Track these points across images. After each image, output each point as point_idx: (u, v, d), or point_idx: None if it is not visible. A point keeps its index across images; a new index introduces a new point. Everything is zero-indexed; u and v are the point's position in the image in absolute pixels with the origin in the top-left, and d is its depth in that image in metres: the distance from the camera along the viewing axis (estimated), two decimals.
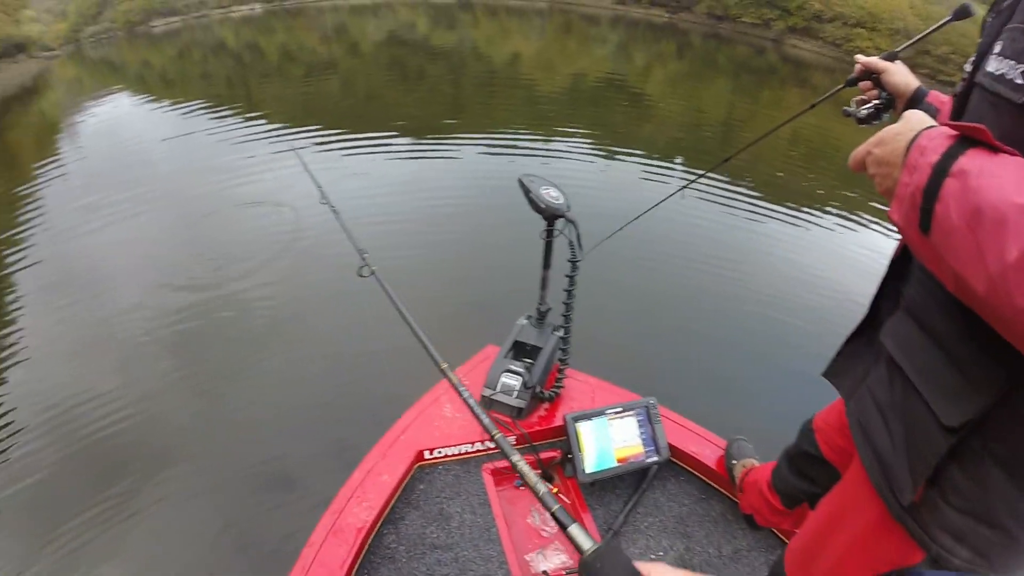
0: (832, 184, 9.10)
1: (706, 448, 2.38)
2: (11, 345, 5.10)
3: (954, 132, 0.77)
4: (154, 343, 4.95)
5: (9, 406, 4.41)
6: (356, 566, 1.90)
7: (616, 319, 4.95)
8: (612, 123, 12.29)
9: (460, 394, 1.37)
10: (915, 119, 0.86)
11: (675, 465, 2.40)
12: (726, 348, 4.76)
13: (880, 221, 7.53)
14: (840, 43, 28.88)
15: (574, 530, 0.59)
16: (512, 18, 31.77)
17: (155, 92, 15.75)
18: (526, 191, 2.03)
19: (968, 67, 0.98)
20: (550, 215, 2.03)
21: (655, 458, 2.26)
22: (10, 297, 5.86)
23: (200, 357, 4.78)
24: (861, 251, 6.81)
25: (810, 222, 7.56)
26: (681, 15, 33.48)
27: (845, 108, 1.62)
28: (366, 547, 1.97)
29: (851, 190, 8.69)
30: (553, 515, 0.65)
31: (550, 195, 2.03)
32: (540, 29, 29.43)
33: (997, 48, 0.84)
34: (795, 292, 5.65)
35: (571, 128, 11.19)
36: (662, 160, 9.55)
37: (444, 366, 1.57)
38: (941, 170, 0.74)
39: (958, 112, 0.99)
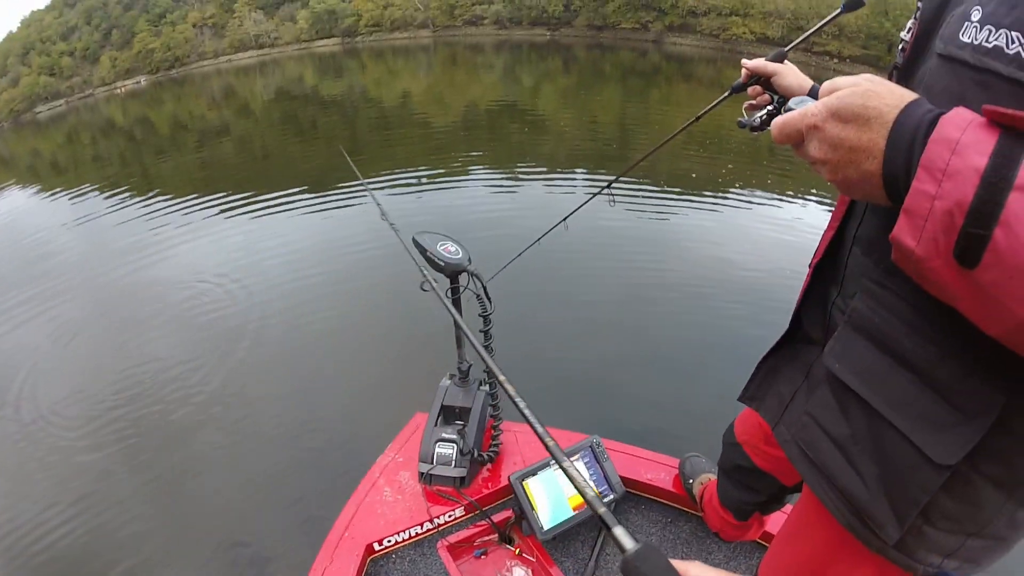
0: (740, 169, 9.33)
1: (660, 472, 2.31)
2: None
3: (985, 120, 0.57)
4: (85, 449, 4.60)
5: None
6: None
7: (541, 356, 4.78)
8: (511, 145, 12.40)
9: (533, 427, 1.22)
10: (885, 88, 0.65)
11: (633, 496, 2.32)
12: (660, 366, 4.64)
13: (798, 196, 7.70)
14: (717, 33, 30.27)
15: (619, 531, 0.55)
16: (398, 58, 31.98)
17: (48, 181, 15.13)
18: (422, 250, 1.92)
19: (906, 36, 0.83)
20: (451, 271, 1.92)
21: (611, 496, 2.18)
22: None
23: (134, 456, 4.46)
24: (783, 235, 6.81)
25: (723, 211, 7.68)
26: (562, 31, 34.43)
27: (739, 120, 1.52)
28: None
29: (758, 172, 8.95)
30: (600, 518, 0.60)
31: (448, 251, 1.92)
32: (427, 65, 29.68)
33: (975, 15, 0.65)
34: (719, 290, 5.63)
35: (471, 156, 11.22)
36: (567, 173, 9.65)
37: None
38: (998, 179, 0.53)
39: None
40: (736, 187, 8.41)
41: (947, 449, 0.77)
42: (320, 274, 6.64)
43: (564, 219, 2.62)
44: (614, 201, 2.76)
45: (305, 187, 9.97)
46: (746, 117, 1.50)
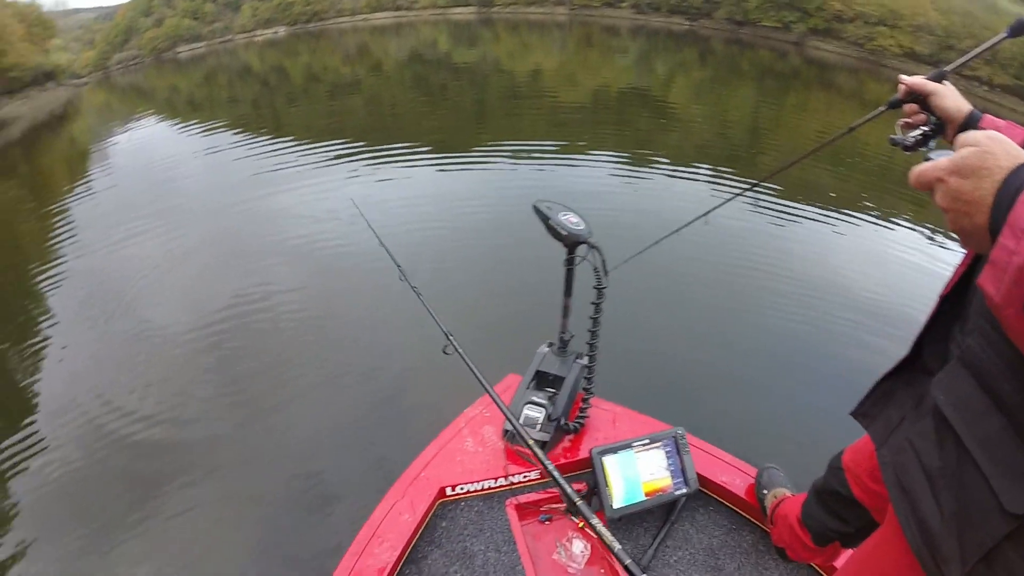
0: (875, 192, 8.85)
1: (736, 477, 2.29)
2: (44, 357, 5.25)
3: None
4: (192, 355, 5.02)
5: (45, 416, 4.53)
6: None
7: (642, 344, 4.78)
8: (637, 133, 12.23)
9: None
10: (1001, 149, 0.70)
11: (704, 495, 2.31)
12: (758, 374, 4.56)
13: (937, 234, 7.26)
14: (862, 43, 28.53)
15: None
16: (533, 33, 31.96)
17: (183, 115, 16.09)
18: (544, 219, 1.97)
19: None
20: (571, 242, 1.96)
21: (684, 490, 2.18)
22: (44, 311, 6.00)
23: (237, 370, 4.81)
24: (911, 270, 6.41)
25: (850, 229, 7.33)
26: (701, 22, 33.38)
27: (892, 136, 1.47)
28: None
29: (894, 197, 8.48)
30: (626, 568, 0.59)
31: (570, 221, 1.96)
32: (561, 42, 29.54)
33: None
34: (831, 307, 5.43)
35: (596, 139, 11.15)
36: (690, 169, 9.42)
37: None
38: None
39: None
40: (869, 207, 7.98)
41: (1018, 498, 0.79)
42: (437, 228, 6.85)
43: (706, 213, 2.58)
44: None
45: (429, 147, 10.23)
46: (899, 135, 1.44)
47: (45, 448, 4.20)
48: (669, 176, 9.06)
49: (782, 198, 7.92)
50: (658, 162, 9.63)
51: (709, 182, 8.75)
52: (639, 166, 9.39)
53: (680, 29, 32.54)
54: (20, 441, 4.28)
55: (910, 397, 1.12)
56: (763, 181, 2.54)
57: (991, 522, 0.82)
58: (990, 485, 0.82)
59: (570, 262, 2.04)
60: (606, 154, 10.08)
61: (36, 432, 4.38)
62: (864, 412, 1.26)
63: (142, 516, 3.54)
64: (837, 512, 1.63)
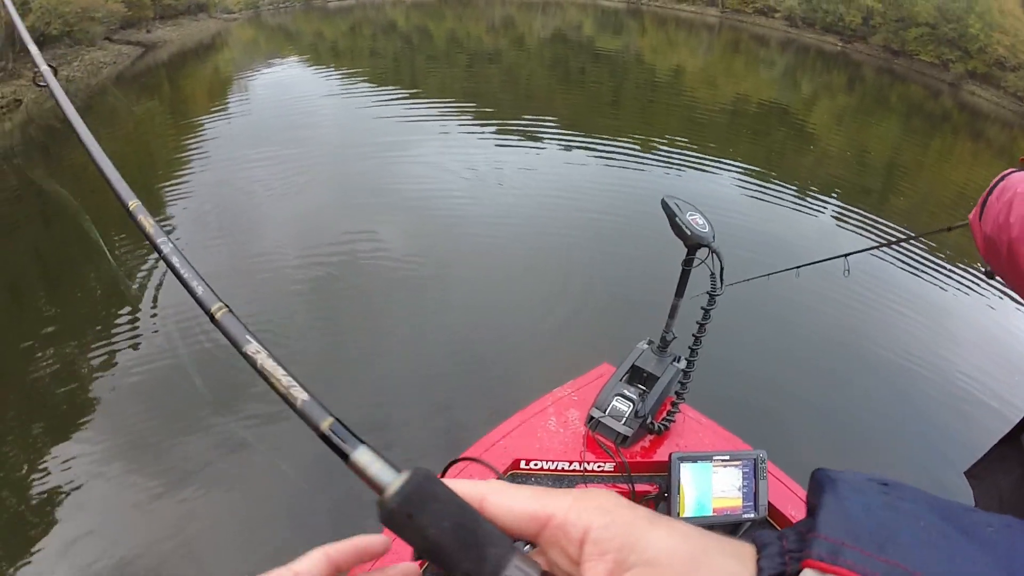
0: None
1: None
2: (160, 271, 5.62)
3: None
4: (292, 282, 5.30)
5: (146, 310, 4.88)
6: None
7: (743, 361, 4.71)
8: (770, 150, 11.85)
9: None
10: None
11: (770, 524, 2.25)
12: (857, 416, 4.41)
13: None
14: (1023, 96, 26.24)
15: (364, 456, 0.37)
16: (680, 30, 31.26)
17: (325, 60, 16.72)
18: (671, 215, 1.95)
19: None
20: (693, 243, 1.94)
21: (751, 515, 2.13)
22: (164, 216, 6.46)
23: (333, 307, 5.04)
24: None
25: (987, 299, 6.85)
26: (855, 45, 31.61)
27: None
28: None
29: None
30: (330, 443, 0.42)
31: (696, 222, 1.93)
32: (707, 44, 28.77)
33: None
34: (955, 375, 5.14)
35: (727, 147, 10.87)
36: (819, 197, 9.01)
37: None
38: None
39: None
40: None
41: None
42: (556, 200, 6.88)
43: (848, 255, 2.44)
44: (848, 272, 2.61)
45: (559, 127, 10.26)
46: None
47: (139, 340, 4.54)
48: (797, 199, 8.73)
49: (927, 253, 7.41)
50: (787, 183, 9.29)
51: (838, 216, 8.35)
52: (766, 183, 9.11)
53: (832, 50, 30.98)
54: (117, 332, 4.64)
55: (1016, 464, 1.07)
56: (920, 236, 2.41)
57: None
58: None
59: (688, 263, 2.02)
60: (735, 164, 9.84)
61: (137, 323, 4.74)
62: (975, 474, 1.22)
63: (214, 419, 3.76)
64: None
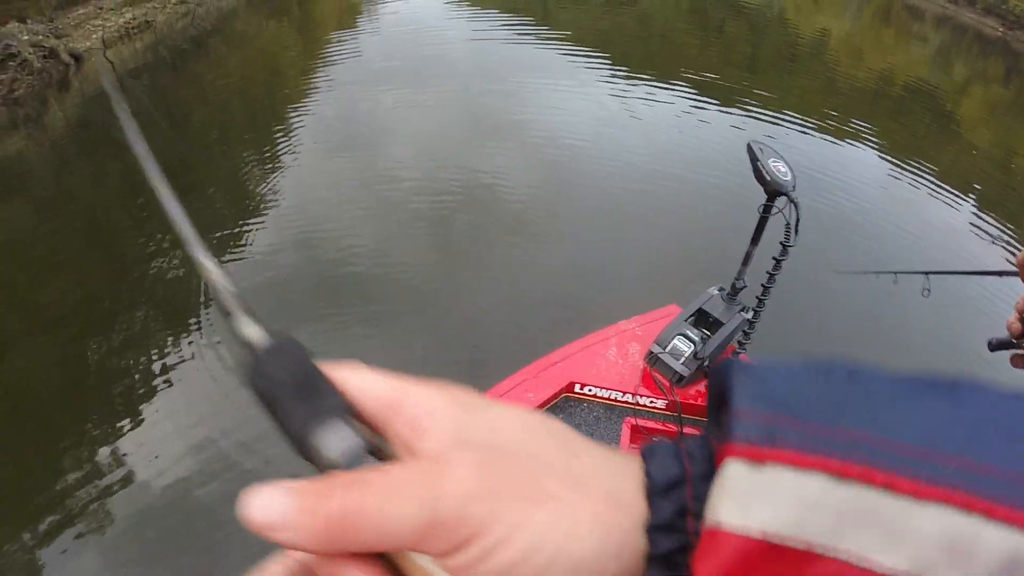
0: None
1: None
2: (279, 167, 5.97)
3: None
4: (405, 208, 5.49)
5: (274, 219, 5.21)
6: None
7: (807, 324, 4.52)
8: (910, 134, 10.96)
9: None
10: None
11: None
12: None
13: None
14: None
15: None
16: None
17: None
18: (753, 158, 1.92)
19: None
20: (772, 190, 1.91)
21: None
22: (287, 130, 6.80)
23: (443, 234, 5.22)
24: None
25: None
26: (1017, 33, 28.45)
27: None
28: None
29: None
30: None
31: (778, 169, 1.91)
32: (857, 9, 26.74)
33: None
34: None
35: (862, 125, 10.17)
36: (953, 197, 8.22)
37: None
38: None
39: None
40: None
41: None
42: (658, 152, 6.84)
43: (1001, 274, 1.97)
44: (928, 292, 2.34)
45: (689, 83, 9.94)
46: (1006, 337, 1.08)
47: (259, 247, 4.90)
48: (930, 196, 8.01)
49: None
50: (923, 176, 8.54)
51: (973, 222, 7.52)
52: (900, 171, 8.46)
53: (991, 34, 27.93)
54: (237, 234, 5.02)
55: None
56: None
57: None
58: None
59: (766, 210, 2.00)
60: (868, 145, 9.20)
61: (259, 229, 5.10)
62: None
63: (325, 322, 4.07)
64: None
